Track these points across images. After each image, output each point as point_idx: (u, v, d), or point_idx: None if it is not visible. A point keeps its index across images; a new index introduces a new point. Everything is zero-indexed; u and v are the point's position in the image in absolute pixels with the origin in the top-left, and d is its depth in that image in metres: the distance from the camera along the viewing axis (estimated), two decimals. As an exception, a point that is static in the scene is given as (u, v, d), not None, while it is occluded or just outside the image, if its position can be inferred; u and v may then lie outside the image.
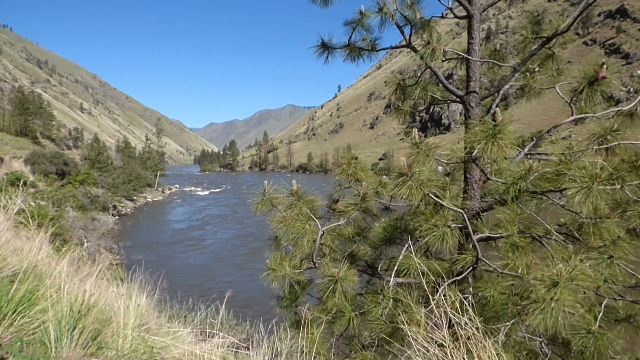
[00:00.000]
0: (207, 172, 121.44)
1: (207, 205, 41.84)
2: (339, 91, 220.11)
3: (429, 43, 2.55)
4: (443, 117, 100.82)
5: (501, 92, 2.90)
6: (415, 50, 2.81)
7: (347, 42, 3.04)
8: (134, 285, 2.32)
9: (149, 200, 44.99)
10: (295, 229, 2.61)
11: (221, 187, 62.81)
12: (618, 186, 2.00)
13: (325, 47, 3.13)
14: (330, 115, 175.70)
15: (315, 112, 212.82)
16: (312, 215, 2.66)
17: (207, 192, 55.60)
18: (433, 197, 2.19)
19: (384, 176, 2.68)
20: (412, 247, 2.38)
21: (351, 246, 3.07)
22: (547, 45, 2.84)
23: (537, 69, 3.22)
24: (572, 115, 2.82)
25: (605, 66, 2.37)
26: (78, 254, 3.34)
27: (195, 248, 23.14)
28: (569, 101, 2.81)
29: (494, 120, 2.12)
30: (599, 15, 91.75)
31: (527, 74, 3.25)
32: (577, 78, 2.56)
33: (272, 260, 2.72)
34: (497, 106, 2.88)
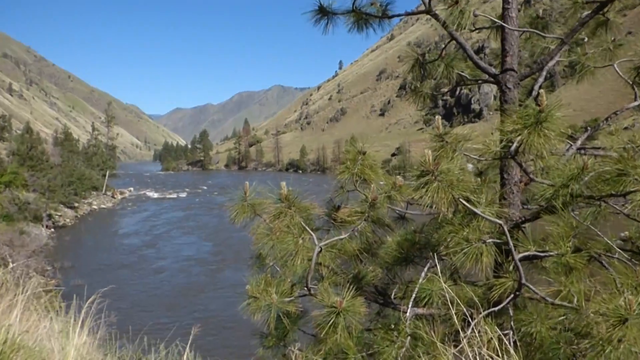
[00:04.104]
0: (172, 172, 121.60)
1: (168, 215, 41.87)
2: (340, 68, 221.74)
3: (456, 3, 2.54)
4: (472, 102, 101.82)
5: (545, 69, 2.91)
6: (436, 18, 2.82)
7: (352, 6, 3.04)
8: (73, 319, 2.28)
9: (95, 207, 45.20)
10: (285, 245, 2.59)
11: (188, 191, 62.90)
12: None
13: (324, 13, 3.12)
14: (330, 98, 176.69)
15: (310, 95, 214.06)
16: (306, 227, 2.64)
17: (169, 198, 55.63)
18: (465, 202, 2.18)
19: (399, 176, 2.68)
20: (436, 267, 2.37)
21: (357, 267, 3.06)
22: (601, 12, 2.85)
23: (586, 40, 3.23)
24: (635, 99, 2.83)
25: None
26: (0, 278, 3.30)
27: (153, 270, 23.06)
28: (631, 82, 2.82)
29: (537, 104, 2.12)
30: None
31: (578, 47, 3.26)
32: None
33: (254, 286, 2.69)
34: (540, 87, 2.89)
